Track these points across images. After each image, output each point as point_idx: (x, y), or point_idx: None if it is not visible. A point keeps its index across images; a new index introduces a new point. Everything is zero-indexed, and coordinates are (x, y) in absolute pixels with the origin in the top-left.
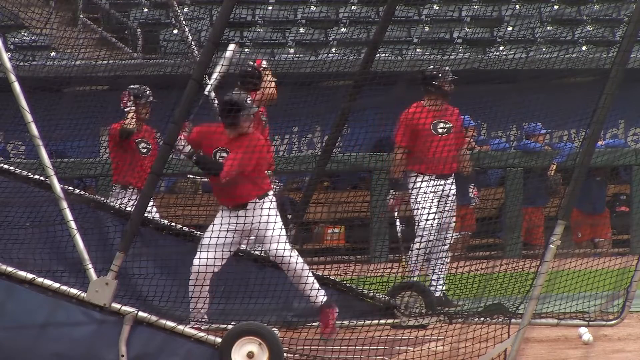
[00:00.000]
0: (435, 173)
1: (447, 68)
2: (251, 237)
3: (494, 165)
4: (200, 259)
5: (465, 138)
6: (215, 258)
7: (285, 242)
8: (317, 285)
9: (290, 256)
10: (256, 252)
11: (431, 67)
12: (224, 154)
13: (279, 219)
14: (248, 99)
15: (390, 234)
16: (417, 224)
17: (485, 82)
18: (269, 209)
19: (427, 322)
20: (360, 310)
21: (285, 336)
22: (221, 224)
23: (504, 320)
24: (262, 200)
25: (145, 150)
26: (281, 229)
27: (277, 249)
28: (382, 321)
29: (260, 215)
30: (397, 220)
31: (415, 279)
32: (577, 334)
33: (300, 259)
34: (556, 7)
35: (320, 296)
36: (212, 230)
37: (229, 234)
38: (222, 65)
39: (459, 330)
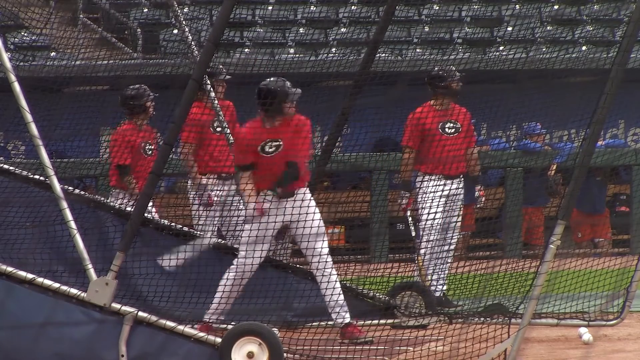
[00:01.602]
0: (443, 173)
1: (453, 68)
2: (290, 231)
3: (494, 165)
4: (244, 257)
5: (474, 137)
6: (255, 258)
7: (327, 247)
8: (343, 301)
9: (328, 261)
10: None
11: (438, 67)
12: (274, 144)
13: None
14: (288, 85)
15: (404, 235)
16: (422, 224)
17: (485, 82)
18: (310, 204)
19: (427, 322)
20: (360, 310)
21: (285, 336)
22: (260, 217)
23: (504, 320)
24: (304, 191)
25: (150, 152)
26: (324, 233)
27: (319, 247)
28: (382, 321)
29: (303, 207)
30: (410, 220)
31: (429, 277)
32: (577, 334)
33: (335, 271)
34: (556, 7)
35: (344, 313)
36: (251, 229)
37: (271, 226)
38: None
39: (459, 330)
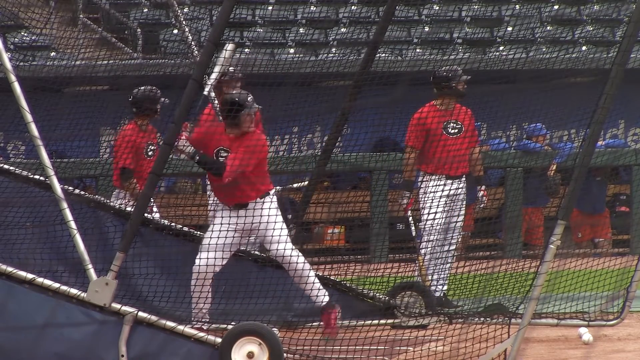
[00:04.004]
0: (445, 174)
1: (459, 68)
2: (251, 237)
3: (494, 165)
4: (201, 259)
5: (477, 138)
6: (216, 258)
7: (288, 242)
8: (319, 285)
9: (292, 256)
10: (256, 252)
11: (444, 68)
12: (225, 154)
13: (280, 218)
14: (249, 98)
15: (405, 235)
16: (423, 224)
17: (485, 82)
18: (270, 208)
19: (427, 322)
20: (360, 310)
21: (285, 336)
22: (221, 224)
23: (504, 320)
24: (262, 200)
25: (151, 152)
26: (282, 228)
27: (278, 249)
28: (382, 321)
29: (261, 215)
30: (411, 220)
31: (429, 277)
32: (577, 334)
33: (302, 259)
34: (556, 7)
35: (322, 296)
36: (212, 231)
37: (229, 234)
38: (222, 65)
39: (459, 331)
